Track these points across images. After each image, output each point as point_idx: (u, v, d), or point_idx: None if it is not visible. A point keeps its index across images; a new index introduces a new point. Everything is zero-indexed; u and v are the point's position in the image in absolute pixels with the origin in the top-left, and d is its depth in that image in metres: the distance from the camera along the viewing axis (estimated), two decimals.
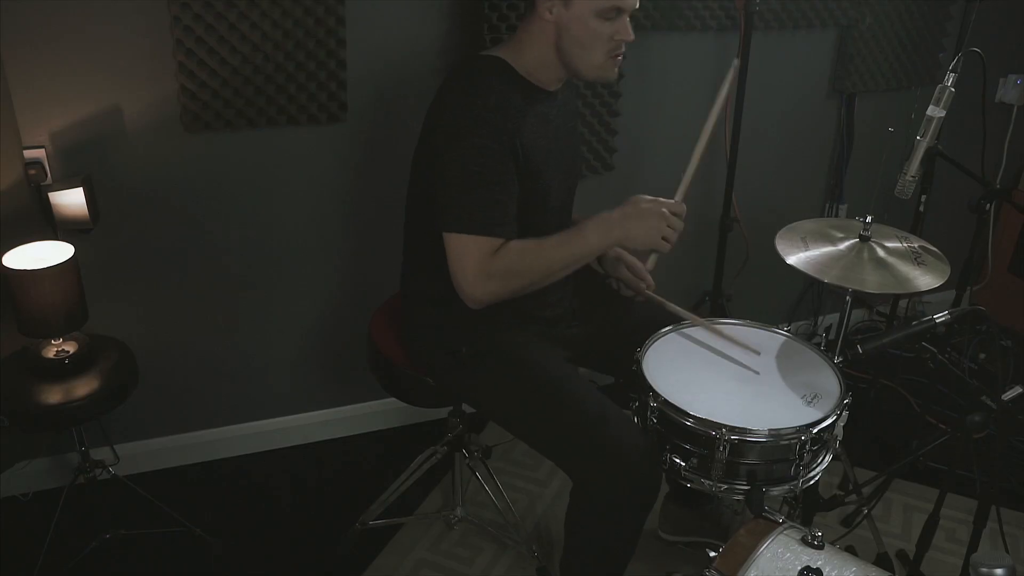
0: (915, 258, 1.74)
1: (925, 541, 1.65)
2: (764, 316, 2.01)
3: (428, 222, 1.67)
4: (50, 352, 1.87)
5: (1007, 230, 3.17)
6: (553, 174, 1.70)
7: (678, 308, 1.80)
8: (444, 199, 1.59)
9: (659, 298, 1.83)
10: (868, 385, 2.74)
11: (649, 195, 1.66)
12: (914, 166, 1.91)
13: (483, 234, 1.57)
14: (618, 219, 1.63)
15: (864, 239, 1.76)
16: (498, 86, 1.61)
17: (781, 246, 1.77)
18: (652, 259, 1.77)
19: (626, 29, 1.61)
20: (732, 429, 1.44)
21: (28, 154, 1.92)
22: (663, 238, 1.62)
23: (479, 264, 1.58)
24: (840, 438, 1.58)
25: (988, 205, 2.10)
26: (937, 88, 1.86)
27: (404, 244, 1.86)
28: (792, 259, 1.72)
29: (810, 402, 1.54)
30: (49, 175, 1.95)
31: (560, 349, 1.81)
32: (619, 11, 1.59)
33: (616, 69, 1.68)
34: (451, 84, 1.66)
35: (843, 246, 1.76)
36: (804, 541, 1.29)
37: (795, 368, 1.65)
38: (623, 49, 1.64)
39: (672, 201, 1.66)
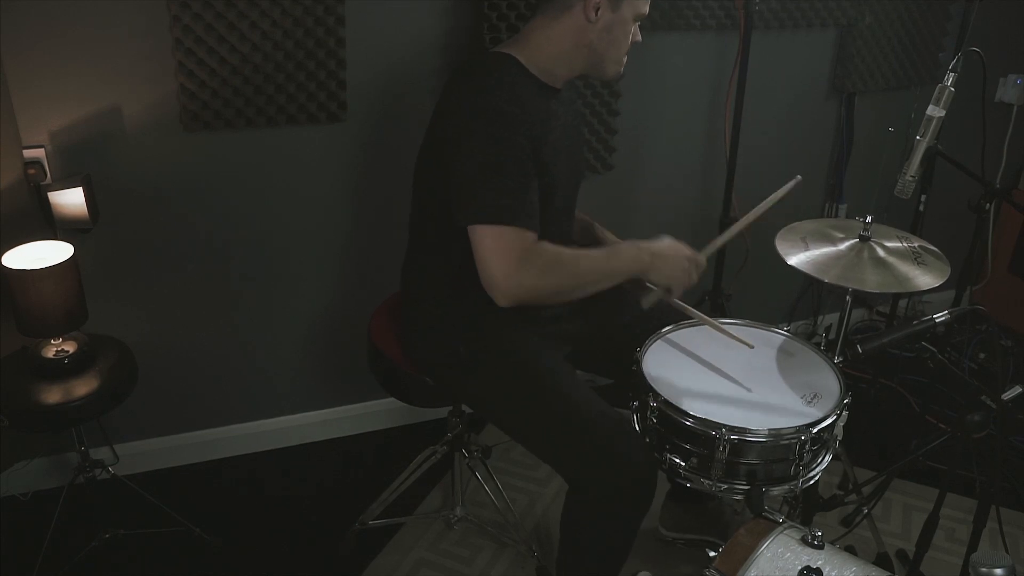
0: (915, 258, 1.74)
1: (925, 541, 1.65)
2: (764, 316, 2.01)
3: (437, 218, 1.66)
4: (50, 352, 1.87)
5: (1007, 230, 3.17)
6: (560, 171, 1.70)
7: (684, 305, 1.79)
8: (466, 192, 1.56)
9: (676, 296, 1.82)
10: (868, 385, 2.74)
11: (672, 238, 1.70)
12: (914, 166, 1.91)
13: (517, 224, 1.54)
14: (651, 251, 1.66)
15: (864, 239, 1.76)
16: (510, 81, 1.61)
17: (781, 246, 1.77)
18: (653, 298, 1.74)
19: (637, 31, 1.71)
20: (732, 429, 1.44)
21: (28, 154, 1.92)
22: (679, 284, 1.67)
23: (517, 255, 1.54)
24: (840, 438, 1.58)
25: (988, 205, 2.10)
26: (937, 88, 1.86)
27: (408, 242, 1.85)
28: (793, 259, 1.72)
29: (810, 402, 1.54)
30: (48, 174, 1.95)
31: (559, 350, 1.80)
32: (643, 15, 1.68)
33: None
34: (463, 78, 1.66)
35: (843, 246, 1.76)
36: (804, 541, 1.29)
37: (795, 368, 1.65)
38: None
39: (699, 255, 1.70)
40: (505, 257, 1.54)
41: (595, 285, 1.65)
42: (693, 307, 1.79)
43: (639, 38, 1.71)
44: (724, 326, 1.74)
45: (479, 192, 1.54)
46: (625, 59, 1.72)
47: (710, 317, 1.77)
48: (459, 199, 1.57)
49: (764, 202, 1.76)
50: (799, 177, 1.77)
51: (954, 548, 2.19)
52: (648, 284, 1.71)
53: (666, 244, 1.68)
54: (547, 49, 1.66)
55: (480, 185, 1.55)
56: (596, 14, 1.61)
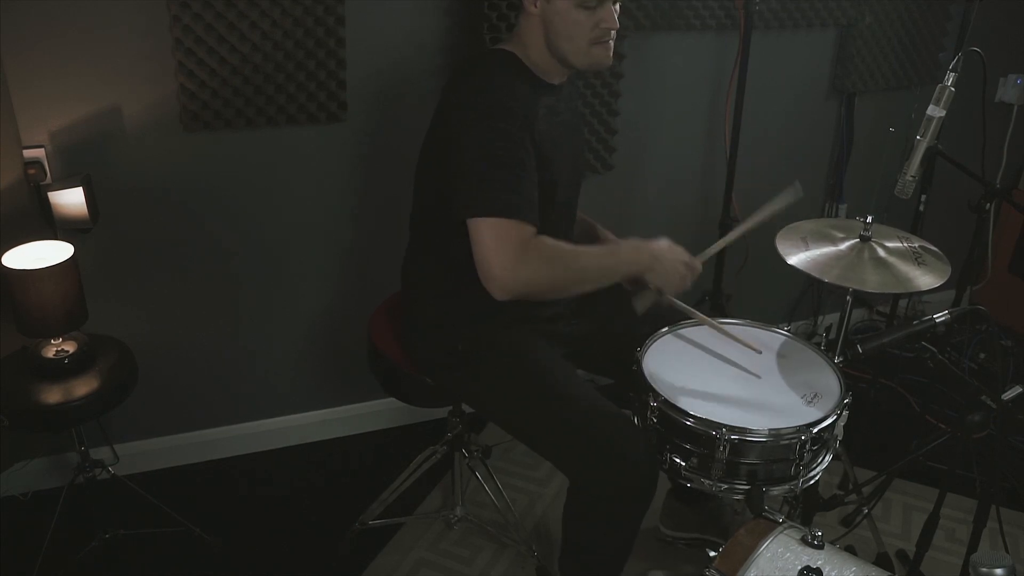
0: (915, 258, 1.74)
1: (925, 541, 1.65)
2: (764, 316, 2.01)
3: (438, 217, 1.66)
4: (50, 352, 1.87)
5: (1007, 230, 3.17)
6: (560, 167, 1.70)
7: (685, 306, 1.79)
8: (467, 185, 1.55)
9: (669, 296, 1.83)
10: (868, 385, 2.74)
11: (670, 241, 1.71)
12: (914, 166, 1.91)
13: (516, 218, 1.53)
14: (650, 251, 1.67)
15: (865, 239, 1.76)
16: (509, 78, 1.61)
17: (782, 246, 1.77)
18: (647, 299, 1.73)
19: (611, 17, 1.61)
20: (732, 429, 1.44)
21: (28, 154, 1.92)
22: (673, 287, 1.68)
23: (515, 248, 1.53)
24: (840, 438, 1.57)
25: (988, 205, 2.10)
26: (937, 88, 1.86)
27: (409, 241, 1.85)
28: (793, 259, 1.72)
29: (810, 402, 1.54)
30: (49, 174, 1.95)
31: (559, 348, 1.80)
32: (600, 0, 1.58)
33: (609, 55, 1.66)
34: (463, 76, 1.67)
35: (844, 246, 1.76)
36: (804, 541, 1.29)
37: (795, 368, 1.65)
38: (612, 36, 1.64)
39: (696, 260, 1.71)
40: (504, 249, 1.53)
41: (593, 282, 1.65)
42: (693, 307, 1.80)
43: (615, 24, 1.61)
44: (728, 328, 1.74)
45: (479, 185, 1.54)
46: (596, 49, 1.62)
47: (712, 318, 1.77)
48: (458, 192, 1.56)
49: (762, 211, 1.77)
50: (798, 184, 1.76)
51: (954, 548, 2.19)
52: (644, 285, 1.71)
53: (665, 246, 1.69)
54: (529, 46, 1.66)
55: (480, 178, 1.54)
56: (535, 6, 1.60)
